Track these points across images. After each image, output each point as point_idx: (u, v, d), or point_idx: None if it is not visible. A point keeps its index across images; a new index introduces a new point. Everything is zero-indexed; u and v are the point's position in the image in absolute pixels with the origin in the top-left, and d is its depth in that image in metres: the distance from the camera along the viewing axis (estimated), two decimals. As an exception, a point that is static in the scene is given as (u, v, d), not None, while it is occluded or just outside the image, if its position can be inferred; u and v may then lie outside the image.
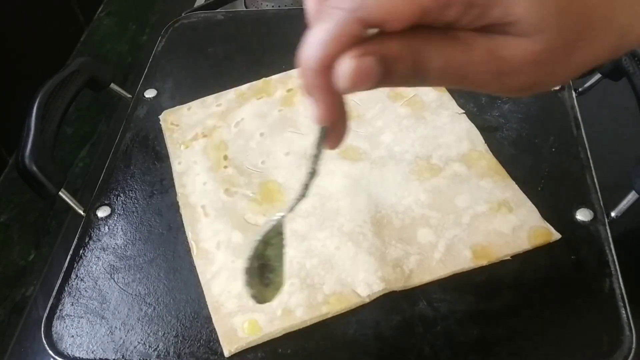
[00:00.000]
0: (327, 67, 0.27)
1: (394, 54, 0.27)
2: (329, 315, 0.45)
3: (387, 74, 0.27)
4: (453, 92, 0.59)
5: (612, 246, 0.47)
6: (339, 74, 0.27)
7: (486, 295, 0.45)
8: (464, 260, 0.47)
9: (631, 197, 0.48)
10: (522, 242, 0.47)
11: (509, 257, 0.47)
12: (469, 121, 0.57)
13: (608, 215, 0.49)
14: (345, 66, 0.26)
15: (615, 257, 0.46)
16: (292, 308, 0.45)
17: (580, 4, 0.26)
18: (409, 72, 0.27)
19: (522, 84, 0.28)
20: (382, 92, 0.61)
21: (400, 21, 0.26)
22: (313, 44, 0.27)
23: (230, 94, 0.64)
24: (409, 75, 0.27)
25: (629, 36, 0.28)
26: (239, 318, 0.46)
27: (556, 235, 0.48)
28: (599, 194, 0.50)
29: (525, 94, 0.29)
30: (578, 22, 0.26)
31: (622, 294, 0.44)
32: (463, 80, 0.28)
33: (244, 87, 0.64)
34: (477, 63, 0.27)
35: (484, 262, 0.47)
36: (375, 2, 0.26)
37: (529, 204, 0.50)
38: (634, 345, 0.41)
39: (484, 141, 0.55)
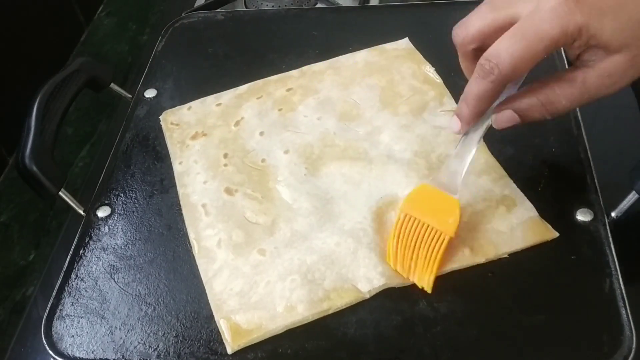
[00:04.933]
0: (479, 113, 0.44)
1: (525, 104, 0.42)
2: (330, 311, 0.45)
3: (524, 117, 0.43)
4: (452, 91, 0.60)
5: (612, 246, 0.47)
6: (493, 120, 0.45)
7: (486, 295, 0.45)
8: (461, 258, 0.47)
9: (631, 197, 0.48)
10: (520, 240, 0.47)
11: (506, 255, 0.47)
12: None
13: (608, 215, 0.49)
14: (495, 117, 0.44)
15: (615, 257, 0.46)
16: (294, 304, 0.46)
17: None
18: (540, 113, 0.42)
19: (627, 83, 0.40)
20: (382, 92, 0.61)
21: (523, 72, 0.42)
22: (471, 96, 0.43)
23: (230, 93, 0.64)
24: (542, 114, 0.42)
25: None
26: (241, 315, 0.46)
27: (554, 234, 0.48)
28: (599, 194, 0.50)
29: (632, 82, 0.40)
30: None
31: (622, 294, 0.44)
32: (583, 100, 0.41)
33: (243, 87, 0.64)
34: (592, 88, 0.40)
35: (481, 260, 0.47)
36: (508, 69, 0.39)
37: (526, 202, 0.50)
38: (634, 346, 0.41)
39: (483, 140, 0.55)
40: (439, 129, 0.56)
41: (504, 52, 0.39)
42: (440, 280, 0.46)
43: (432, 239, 0.46)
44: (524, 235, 0.48)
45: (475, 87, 0.42)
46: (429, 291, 0.45)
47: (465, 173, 0.47)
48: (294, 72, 0.65)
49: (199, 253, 0.50)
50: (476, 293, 0.46)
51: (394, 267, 0.47)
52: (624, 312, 0.43)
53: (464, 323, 0.44)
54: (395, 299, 0.46)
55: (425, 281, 0.45)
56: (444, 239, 0.45)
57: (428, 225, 0.46)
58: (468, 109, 0.44)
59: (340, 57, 0.66)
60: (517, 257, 0.47)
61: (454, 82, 0.60)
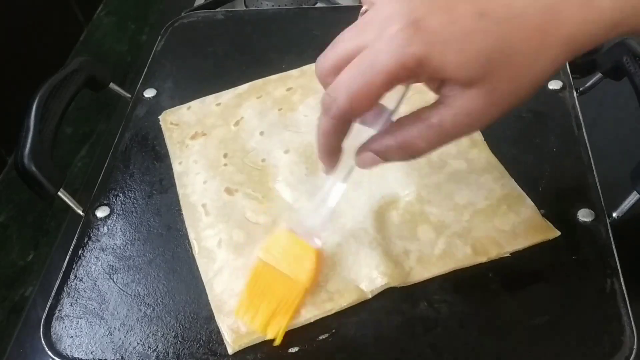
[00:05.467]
0: (330, 151, 0.40)
1: (383, 146, 0.38)
2: (333, 312, 0.45)
3: (384, 159, 0.38)
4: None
5: (613, 246, 0.46)
6: (356, 161, 0.40)
7: (487, 295, 0.45)
8: (463, 257, 0.47)
9: (632, 197, 0.48)
10: (522, 239, 0.47)
11: (508, 255, 0.47)
12: None
13: (609, 215, 0.48)
14: (358, 159, 0.40)
15: (616, 257, 0.46)
16: None
17: (502, 51, 0.33)
18: (399, 155, 0.38)
19: (490, 121, 0.35)
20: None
21: (364, 109, 0.36)
22: (319, 133, 0.39)
23: (230, 93, 0.64)
24: (401, 156, 0.38)
25: (578, 41, 0.34)
26: None
27: (555, 232, 0.48)
28: (600, 194, 0.50)
29: (498, 118, 0.35)
30: (502, 64, 0.33)
31: (623, 294, 0.44)
32: (443, 141, 0.36)
33: (243, 87, 0.64)
34: (450, 129, 0.35)
35: (483, 259, 0.47)
36: (345, 105, 0.35)
37: (528, 201, 0.50)
38: (635, 346, 0.41)
39: (483, 138, 0.55)
40: (439, 128, 0.56)
41: (342, 86, 0.35)
42: (441, 280, 0.46)
43: (288, 289, 0.44)
44: (525, 234, 0.48)
45: (321, 123, 0.38)
46: (278, 342, 0.43)
47: (329, 216, 0.45)
48: (294, 72, 0.65)
49: (199, 253, 0.50)
50: (477, 293, 0.45)
51: (242, 318, 0.44)
52: (624, 312, 0.43)
53: (465, 324, 0.44)
54: (396, 300, 0.46)
55: (275, 331, 0.43)
56: (298, 289, 0.44)
57: (283, 274, 0.44)
58: (321, 149, 0.40)
59: (341, 56, 0.65)
60: (517, 258, 0.47)
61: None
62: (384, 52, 0.33)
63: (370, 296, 0.46)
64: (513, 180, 0.51)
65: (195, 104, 0.64)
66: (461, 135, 0.36)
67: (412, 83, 0.36)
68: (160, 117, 0.63)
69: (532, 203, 0.49)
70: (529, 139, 0.55)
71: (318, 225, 0.45)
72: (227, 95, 0.64)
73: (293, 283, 0.44)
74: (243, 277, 0.48)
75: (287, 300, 0.44)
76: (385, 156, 0.38)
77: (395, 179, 0.52)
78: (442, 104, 0.35)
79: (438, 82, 0.35)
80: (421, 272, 0.46)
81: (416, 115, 0.36)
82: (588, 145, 0.53)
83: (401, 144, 0.37)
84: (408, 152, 0.37)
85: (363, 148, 0.39)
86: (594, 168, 0.52)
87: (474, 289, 0.46)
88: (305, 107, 0.60)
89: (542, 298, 0.45)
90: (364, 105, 0.35)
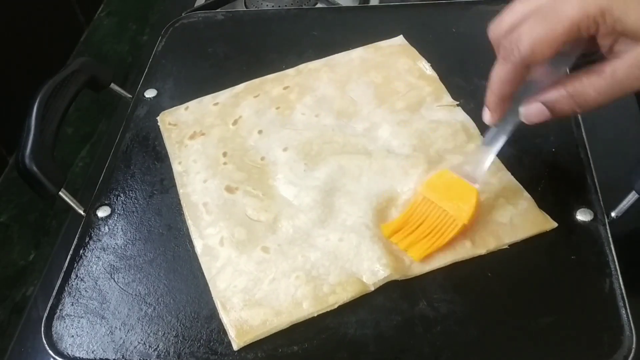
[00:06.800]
0: (502, 98, 0.44)
1: (554, 96, 0.41)
2: (336, 306, 0.45)
3: (553, 111, 0.42)
4: (449, 90, 0.60)
5: (612, 246, 0.47)
6: (522, 113, 0.44)
7: (486, 295, 0.45)
8: (462, 250, 0.47)
9: (631, 197, 0.48)
10: (520, 231, 0.48)
11: (506, 246, 0.47)
12: (464, 113, 0.57)
13: (608, 215, 0.49)
14: (525, 109, 0.43)
15: (615, 257, 0.46)
16: (299, 300, 0.46)
17: None
18: (569, 105, 0.41)
19: None
20: (378, 89, 0.61)
21: (544, 56, 0.39)
22: (494, 79, 0.43)
23: (227, 92, 0.64)
24: (571, 106, 0.41)
25: None
26: (245, 312, 0.46)
27: (552, 224, 0.48)
28: (599, 194, 0.50)
29: None
30: None
31: (622, 294, 0.44)
32: (613, 91, 0.39)
33: (240, 86, 0.64)
34: (622, 79, 0.38)
35: (482, 252, 0.47)
36: (526, 49, 0.39)
37: (525, 193, 0.50)
38: (634, 346, 0.41)
39: (479, 132, 0.55)
40: (436, 123, 0.56)
41: (525, 34, 0.39)
42: (441, 280, 0.46)
43: (445, 223, 0.47)
44: (523, 225, 0.48)
45: (497, 69, 0.42)
46: (417, 260, 0.47)
47: (489, 164, 0.48)
48: (290, 71, 0.65)
49: (201, 252, 0.50)
50: (476, 293, 0.46)
51: (388, 235, 0.48)
52: (623, 312, 0.43)
53: (464, 323, 0.44)
54: (396, 299, 0.46)
55: (418, 254, 0.47)
56: (456, 225, 0.47)
57: (443, 210, 0.47)
58: (493, 94, 0.44)
59: (336, 54, 0.66)
60: (516, 257, 0.47)
61: (453, 82, 0.60)
62: (569, 2, 0.37)
63: (372, 289, 0.46)
64: (510, 173, 0.51)
65: (192, 104, 0.64)
66: (632, 88, 0.39)
67: (587, 37, 0.39)
68: (158, 117, 0.63)
69: (529, 195, 0.50)
70: (528, 139, 0.55)
71: (477, 170, 0.48)
72: (224, 95, 0.64)
73: (451, 218, 0.47)
74: (246, 274, 0.48)
75: (441, 231, 0.47)
76: (554, 106, 0.41)
77: (394, 176, 0.52)
78: (615, 57, 0.39)
79: (612, 39, 0.38)
80: (421, 266, 0.47)
81: (587, 69, 0.40)
82: (587, 145, 0.53)
83: (572, 93, 0.40)
84: (578, 101, 0.40)
85: (531, 99, 0.42)
86: (592, 168, 0.52)
87: (473, 288, 0.46)
88: (302, 105, 0.61)
89: (541, 298, 0.45)
90: (545, 52, 0.38)
